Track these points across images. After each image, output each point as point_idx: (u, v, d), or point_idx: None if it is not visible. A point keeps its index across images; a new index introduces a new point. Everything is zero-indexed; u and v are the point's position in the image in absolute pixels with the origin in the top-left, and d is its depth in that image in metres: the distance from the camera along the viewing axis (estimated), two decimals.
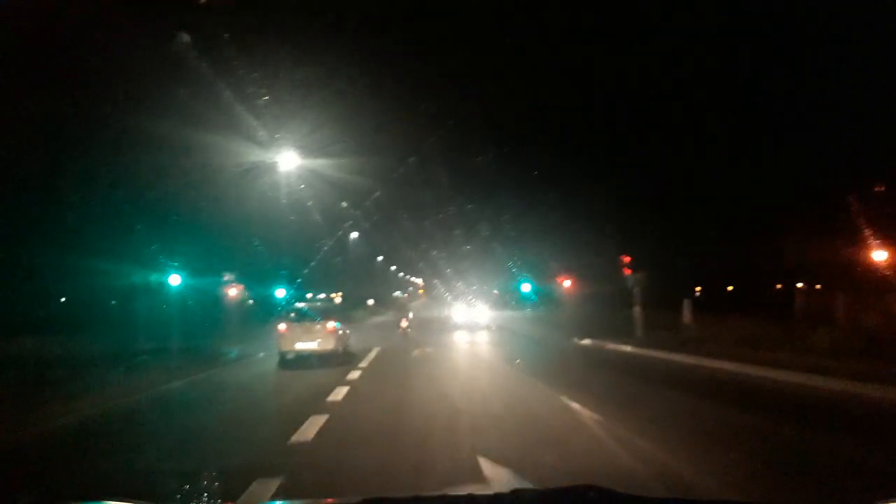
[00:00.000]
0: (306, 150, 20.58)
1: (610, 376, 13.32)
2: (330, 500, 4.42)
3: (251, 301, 35.35)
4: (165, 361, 15.18)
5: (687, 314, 24.51)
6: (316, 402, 9.14)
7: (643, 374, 13.60)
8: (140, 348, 17.33)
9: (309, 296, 38.32)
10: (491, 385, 11.84)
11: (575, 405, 8.68)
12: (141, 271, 19.46)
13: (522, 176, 32.21)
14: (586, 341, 20.86)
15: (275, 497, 4.69)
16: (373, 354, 17.37)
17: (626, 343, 18.69)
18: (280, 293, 31.26)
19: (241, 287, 28.24)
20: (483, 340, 24.09)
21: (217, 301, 27.16)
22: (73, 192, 17.85)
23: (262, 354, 18.30)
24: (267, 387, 12.50)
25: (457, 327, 30.24)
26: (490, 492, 3.95)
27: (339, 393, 10.16)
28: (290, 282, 32.56)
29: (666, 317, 20.68)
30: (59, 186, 17.86)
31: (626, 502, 3.00)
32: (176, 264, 18.91)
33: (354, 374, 12.67)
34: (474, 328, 29.47)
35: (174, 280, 18.36)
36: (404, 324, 25.46)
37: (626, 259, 20.61)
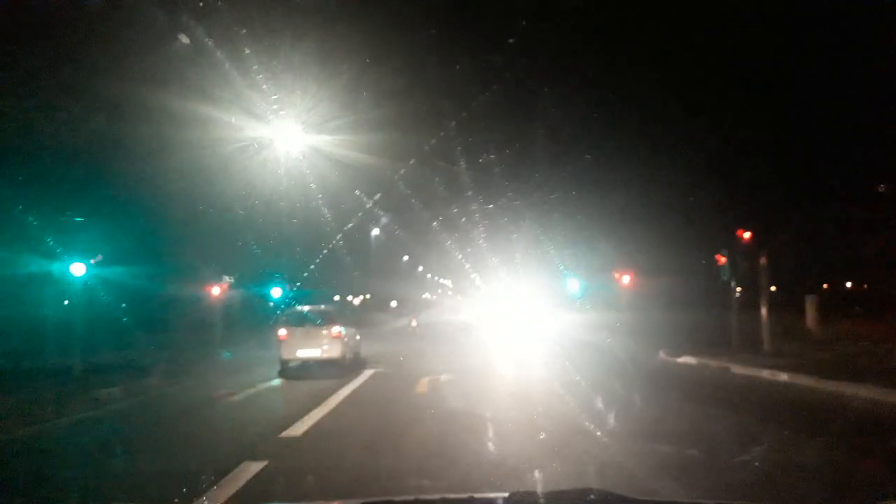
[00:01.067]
0: (311, 125, 15.92)
1: None
2: (337, 502, 4.57)
3: (271, 303, 30.77)
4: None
5: (811, 317, 18.68)
6: None
7: None
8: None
9: (336, 298, 37.02)
10: None
11: None
12: (39, 259, 13.85)
13: (580, 156, 25.11)
14: (686, 359, 14.25)
15: None
16: (357, 382, 11.52)
17: (757, 364, 12.04)
18: (276, 292, 25.88)
19: (224, 286, 23.97)
20: (537, 361, 15.74)
21: (193, 302, 23.11)
22: None
23: (186, 384, 12.49)
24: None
25: (498, 339, 22.66)
26: (491, 494, 3.28)
27: None
28: (293, 280, 27.42)
29: (772, 319, 14.50)
30: None
31: None
32: (90, 252, 13.15)
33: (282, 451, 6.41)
34: (521, 341, 21.95)
35: (77, 270, 12.49)
36: (413, 323, 30.36)
37: (746, 237, 13.93)
